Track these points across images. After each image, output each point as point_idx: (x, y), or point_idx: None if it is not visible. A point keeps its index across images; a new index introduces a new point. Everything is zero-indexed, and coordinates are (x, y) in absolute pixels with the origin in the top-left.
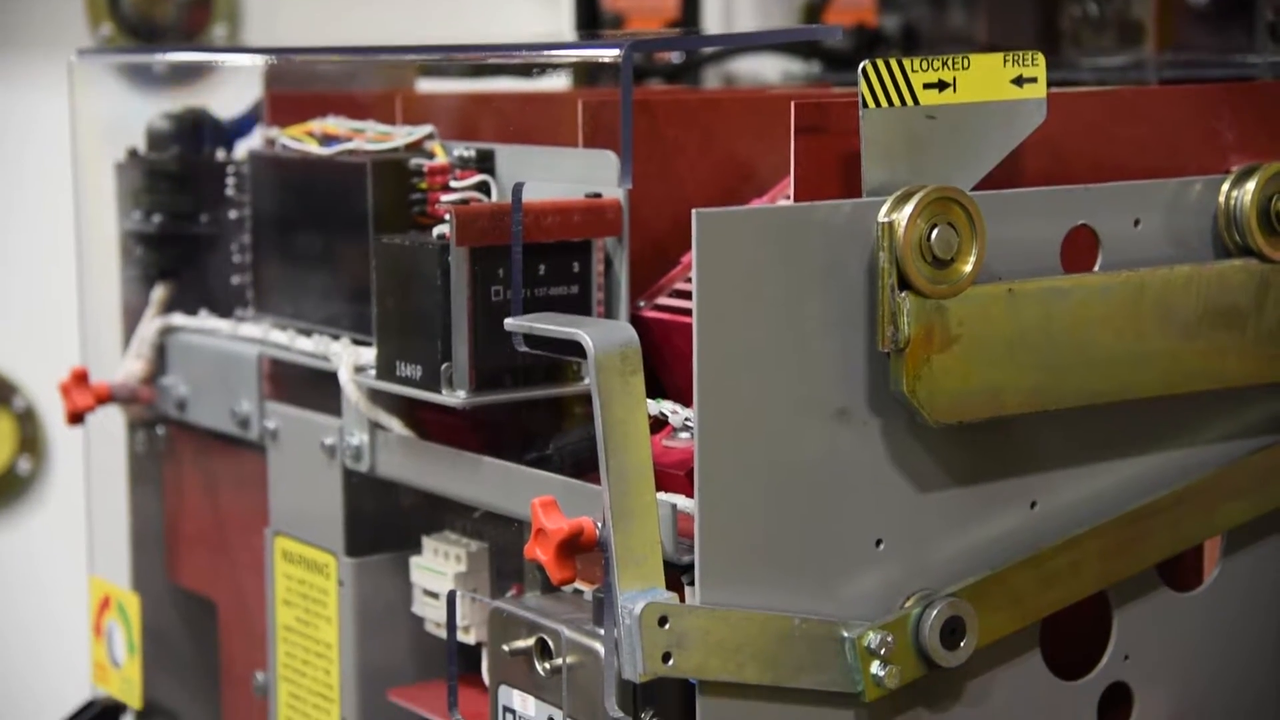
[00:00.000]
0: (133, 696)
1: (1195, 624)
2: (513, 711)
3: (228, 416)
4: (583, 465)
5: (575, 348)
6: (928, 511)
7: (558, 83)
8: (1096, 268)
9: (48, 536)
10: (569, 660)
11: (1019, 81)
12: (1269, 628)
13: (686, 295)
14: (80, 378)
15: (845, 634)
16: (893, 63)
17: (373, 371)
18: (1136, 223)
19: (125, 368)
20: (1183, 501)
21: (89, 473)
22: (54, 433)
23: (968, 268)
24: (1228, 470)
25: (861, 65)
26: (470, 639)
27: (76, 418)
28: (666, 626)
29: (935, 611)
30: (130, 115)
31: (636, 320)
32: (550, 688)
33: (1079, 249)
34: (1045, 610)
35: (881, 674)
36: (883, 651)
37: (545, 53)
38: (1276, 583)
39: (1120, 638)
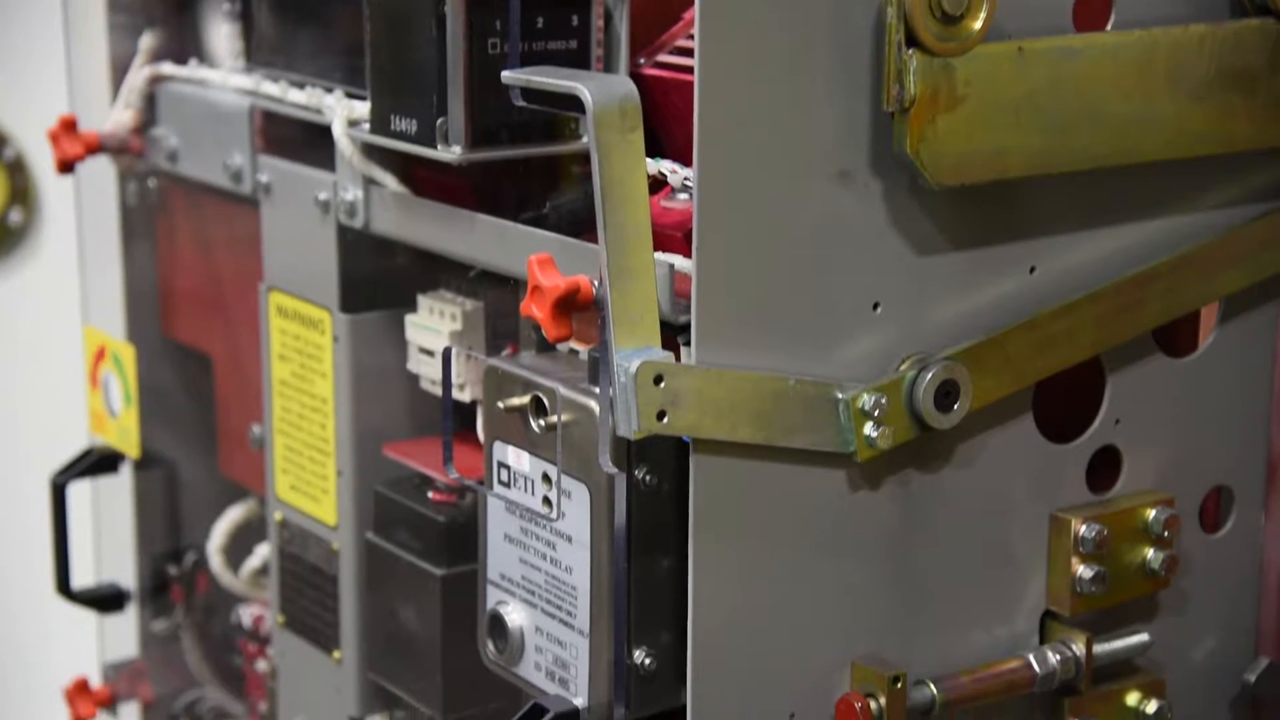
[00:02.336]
0: (130, 445)
1: (1188, 389)
2: (507, 467)
3: (220, 170)
4: (580, 225)
5: (574, 102)
6: (926, 275)
7: None
8: (1109, 28)
9: (41, 288)
10: (564, 418)
11: None
12: (1260, 394)
13: (688, 53)
14: (69, 125)
15: (840, 395)
16: None
17: (367, 125)
18: None
19: (114, 117)
20: (1182, 267)
21: (81, 224)
22: (45, 184)
23: (977, 24)
24: (1228, 237)
25: None
26: (465, 397)
27: (66, 167)
28: (661, 385)
29: (930, 374)
30: None
31: (637, 78)
32: (545, 444)
33: (1091, 8)
34: (1039, 374)
35: (874, 435)
36: (876, 413)
37: None
38: (1270, 349)
39: (1112, 402)
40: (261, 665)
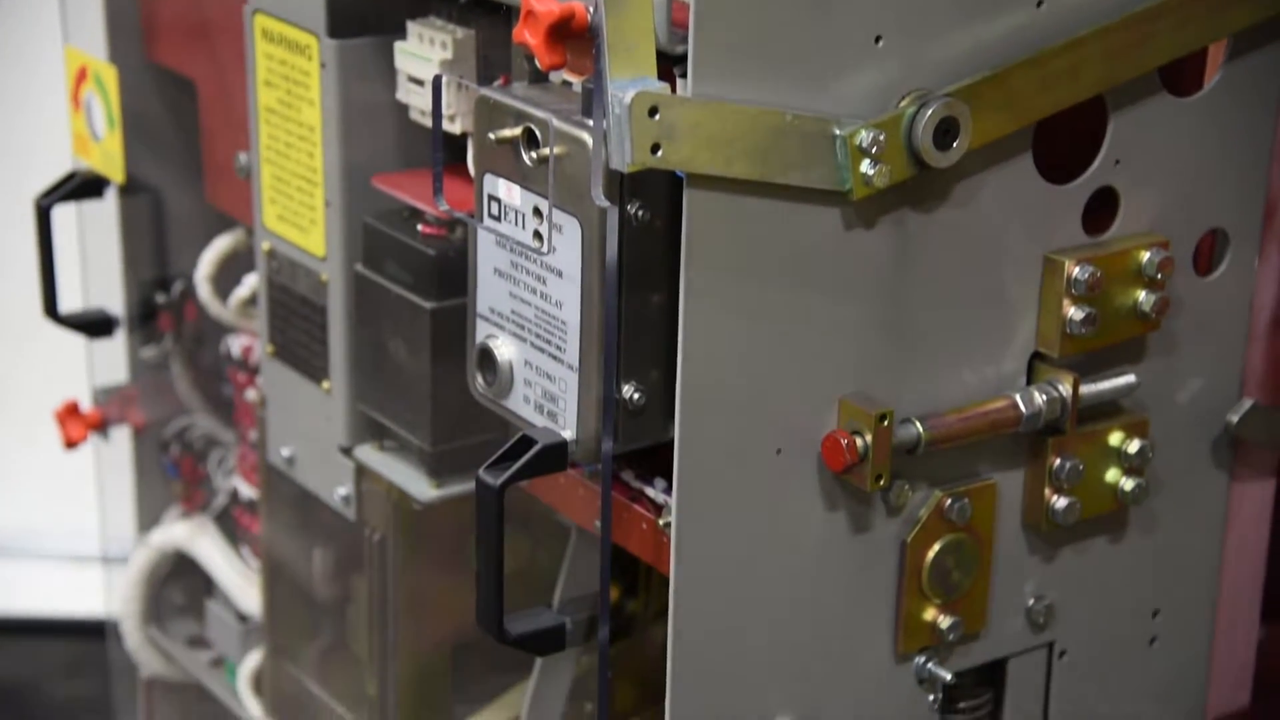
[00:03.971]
0: (114, 170)
1: (1191, 130)
2: (498, 200)
3: None
4: None
5: None
6: (930, 8)
7: None
8: None
9: (20, 3)
10: (556, 150)
11: None
12: (1263, 135)
13: None
14: None
15: (837, 131)
16: None
17: None
18: None
19: None
20: (1190, 2)
21: None
22: None
23: None
24: None
25: None
26: (456, 128)
27: None
28: (656, 117)
29: (930, 111)
30: None
31: None
32: (536, 177)
33: None
34: (1042, 112)
35: (871, 172)
36: (874, 150)
37: None
38: (1276, 89)
39: (1114, 142)
40: (251, 394)
